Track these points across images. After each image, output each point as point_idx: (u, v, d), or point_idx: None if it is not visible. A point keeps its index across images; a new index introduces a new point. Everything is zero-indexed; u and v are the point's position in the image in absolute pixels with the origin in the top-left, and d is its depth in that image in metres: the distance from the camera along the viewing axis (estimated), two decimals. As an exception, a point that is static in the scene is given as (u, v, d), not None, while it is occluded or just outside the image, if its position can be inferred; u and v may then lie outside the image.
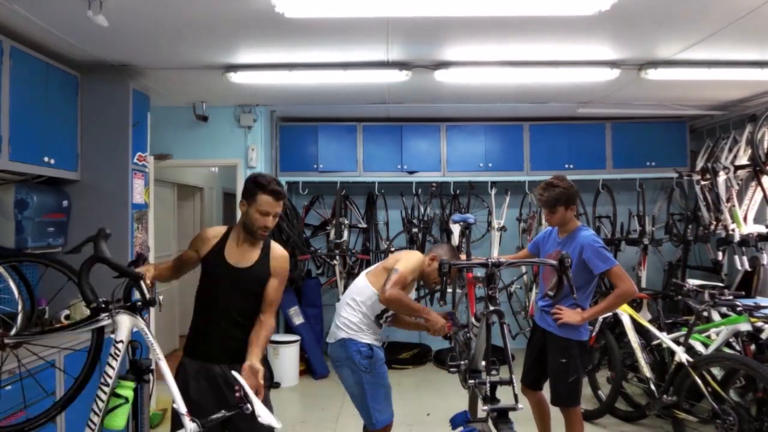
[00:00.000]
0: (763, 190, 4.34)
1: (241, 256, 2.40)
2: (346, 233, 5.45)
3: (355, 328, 2.78)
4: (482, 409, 2.16)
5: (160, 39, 3.32)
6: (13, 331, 2.86)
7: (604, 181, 5.57)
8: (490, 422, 2.11)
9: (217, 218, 7.64)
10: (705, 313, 3.67)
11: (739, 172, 4.58)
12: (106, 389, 1.90)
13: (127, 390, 1.90)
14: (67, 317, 3.23)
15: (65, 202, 3.52)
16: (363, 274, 2.91)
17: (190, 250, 2.44)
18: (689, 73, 3.92)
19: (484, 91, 4.58)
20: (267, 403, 2.18)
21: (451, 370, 2.76)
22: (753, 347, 3.37)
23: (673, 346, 3.55)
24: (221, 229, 2.47)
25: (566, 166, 5.60)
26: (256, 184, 2.35)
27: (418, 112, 5.44)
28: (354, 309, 2.80)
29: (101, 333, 2.12)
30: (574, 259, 2.66)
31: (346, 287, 5.44)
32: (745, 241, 4.37)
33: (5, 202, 3.12)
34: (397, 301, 2.62)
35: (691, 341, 3.50)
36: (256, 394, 2.02)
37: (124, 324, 2.02)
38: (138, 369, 1.97)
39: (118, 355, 1.95)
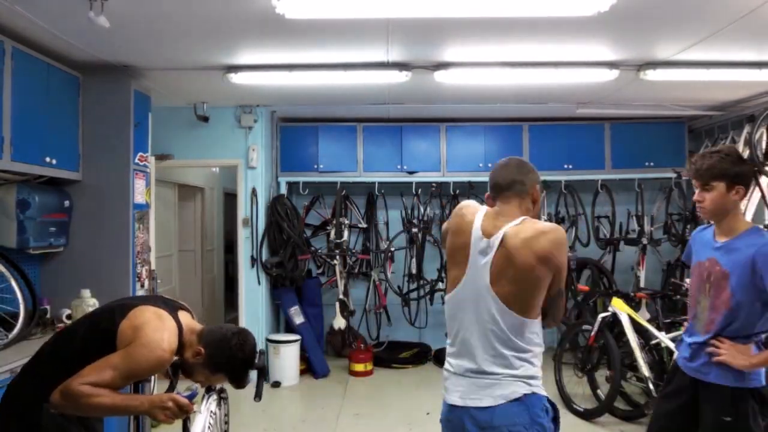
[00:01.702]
0: (761, 190, 4.36)
1: None
2: (346, 233, 5.46)
3: (534, 373, 1.68)
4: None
5: (161, 40, 3.33)
6: (14, 331, 2.88)
7: (603, 182, 5.58)
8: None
9: (217, 218, 7.66)
10: (703, 313, 3.67)
11: (738, 172, 4.59)
12: None
13: None
14: (69, 317, 3.24)
15: (67, 203, 3.54)
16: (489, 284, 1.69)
17: (128, 382, 1.84)
18: (688, 74, 3.93)
19: (483, 91, 4.60)
20: None
21: None
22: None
23: (672, 346, 3.56)
24: (169, 358, 1.83)
25: (565, 166, 5.62)
26: (233, 371, 1.92)
27: (418, 112, 5.45)
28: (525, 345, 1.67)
29: None
30: (740, 276, 1.97)
31: (346, 287, 5.48)
32: (743, 241, 4.37)
33: (7, 202, 3.13)
34: None
35: (690, 340, 3.51)
36: None
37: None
38: None
39: None
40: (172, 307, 1.94)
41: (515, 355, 1.64)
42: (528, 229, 1.65)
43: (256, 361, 1.99)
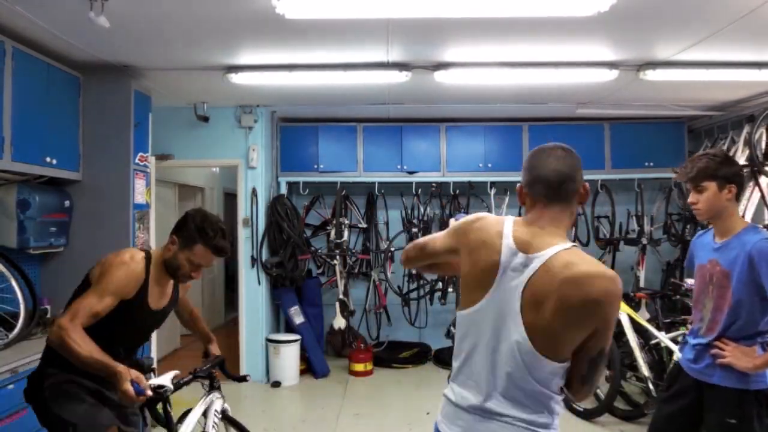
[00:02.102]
0: (761, 190, 4.36)
1: (160, 297, 2.15)
2: (346, 233, 5.47)
3: (550, 422, 1.40)
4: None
5: (161, 40, 3.34)
6: (15, 330, 2.88)
7: (603, 182, 5.58)
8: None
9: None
10: (703, 313, 3.67)
11: (738, 172, 4.60)
12: None
13: None
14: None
15: (67, 202, 3.54)
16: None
17: (110, 298, 1.94)
18: (687, 74, 3.94)
19: (483, 91, 4.60)
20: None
21: None
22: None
23: (672, 345, 3.57)
24: (138, 266, 2.04)
25: (565, 166, 5.61)
26: (199, 232, 2.04)
27: (418, 112, 5.45)
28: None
29: None
30: (739, 273, 1.99)
31: (346, 287, 5.48)
32: (743, 241, 4.38)
33: (7, 202, 3.14)
34: None
35: (690, 340, 3.52)
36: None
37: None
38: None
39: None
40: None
41: (532, 398, 1.35)
42: (583, 262, 1.29)
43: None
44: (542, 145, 1.45)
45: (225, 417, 2.41)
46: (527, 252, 1.33)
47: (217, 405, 2.34)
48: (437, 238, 1.61)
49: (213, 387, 2.36)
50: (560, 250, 1.31)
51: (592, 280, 1.27)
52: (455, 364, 1.49)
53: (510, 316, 1.33)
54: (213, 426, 2.26)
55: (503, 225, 1.42)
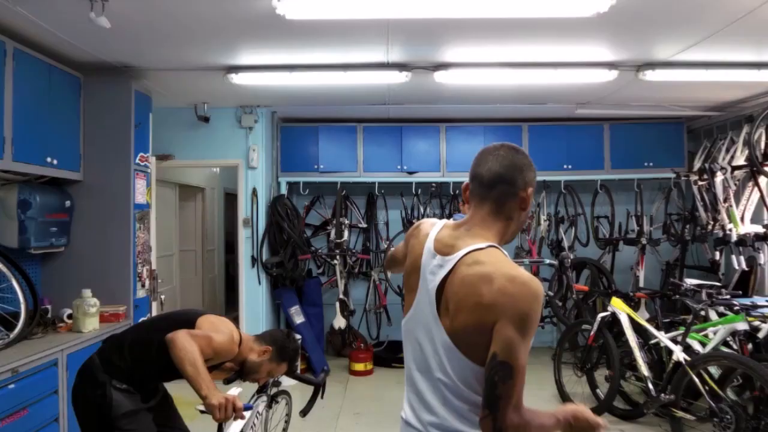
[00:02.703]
0: (760, 190, 4.37)
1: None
2: (346, 233, 5.47)
3: None
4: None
5: (162, 41, 3.35)
6: (16, 330, 2.89)
7: (603, 182, 5.60)
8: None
9: (218, 218, 7.67)
10: (702, 313, 3.69)
11: (736, 172, 4.61)
12: None
13: None
14: (70, 316, 3.25)
15: (68, 203, 3.55)
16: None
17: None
18: (687, 75, 3.95)
19: (483, 92, 4.61)
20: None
21: None
22: (750, 346, 3.40)
23: (671, 345, 3.57)
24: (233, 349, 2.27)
25: (564, 166, 5.63)
26: (293, 356, 2.44)
27: (417, 112, 5.46)
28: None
29: None
30: None
31: (346, 287, 5.49)
32: (742, 240, 4.39)
33: (8, 202, 3.15)
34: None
35: (689, 340, 3.53)
36: None
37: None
38: None
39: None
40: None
41: (472, 410, 1.21)
42: (489, 262, 1.20)
43: (318, 379, 2.64)
44: (491, 144, 1.34)
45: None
46: (443, 254, 1.26)
47: (260, 407, 2.59)
48: (399, 245, 1.59)
49: (263, 390, 2.63)
50: (473, 250, 1.22)
51: (489, 279, 1.16)
52: (406, 375, 1.40)
53: (431, 319, 1.26)
54: (252, 426, 2.47)
55: (432, 228, 1.36)
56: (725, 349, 3.44)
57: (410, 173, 5.69)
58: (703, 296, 3.73)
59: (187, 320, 2.22)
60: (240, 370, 2.34)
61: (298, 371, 2.63)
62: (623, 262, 5.60)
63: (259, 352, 2.32)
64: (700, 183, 4.95)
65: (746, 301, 3.58)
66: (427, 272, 1.29)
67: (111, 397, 2.10)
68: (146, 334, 2.23)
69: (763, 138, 4.41)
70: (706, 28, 3.19)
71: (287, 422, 3.01)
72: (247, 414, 2.18)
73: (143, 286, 3.86)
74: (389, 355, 5.57)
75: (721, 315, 3.67)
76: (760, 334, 3.37)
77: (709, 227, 4.80)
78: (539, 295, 1.17)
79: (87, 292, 3.27)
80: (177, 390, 2.48)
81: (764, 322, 3.37)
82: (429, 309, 1.27)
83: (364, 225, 5.88)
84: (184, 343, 2.00)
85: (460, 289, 1.20)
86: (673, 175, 5.39)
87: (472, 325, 1.18)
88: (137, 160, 3.81)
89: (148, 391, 2.27)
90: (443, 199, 5.78)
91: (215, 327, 2.20)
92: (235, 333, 2.26)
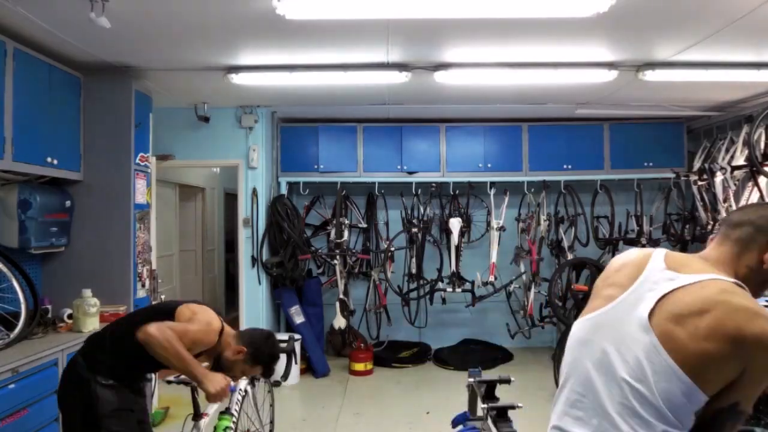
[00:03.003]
0: (760, 190, 4.37)
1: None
2: (346, 233, 5.48)
3: None
4: (481, 407, 2.18)
5: (162, 41, 3.35)
6: (16, 330, 2.89)
7: (602, 182, 5.60)
8: (489, 420, 2.13)
9: (218, 218, 7.68)
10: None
11: (736, 172, 4.61)
12: None
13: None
14: (70, 316, 3.25)
15: (68, 202, 3.55)
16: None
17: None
18: (687, 75, 3.95)
19: (483, 92, 4.61)
20: None
21: None
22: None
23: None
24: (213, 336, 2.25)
25: (564, 166, 5.64)
26: (270, 360, 2.34)
27: (417, 113, 5.47)
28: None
29: None
30: None
31: (346, 286, 5.50)
32: (741, 240, 4.39)
33: (9, 202, 3.15)
34: None
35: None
36: None
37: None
38: None
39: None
40: (217, 311, 2.33)
41: (667, 430, 1.08)
42: (743, 297, 1.10)
43: (286, 346, 2.56)
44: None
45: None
46: (676, 271, 1.17)
47: (241, 384, 2.67)
48: None
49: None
50: (717, 279, 1.13)
51: (751, 315, 1.06)
52: (562, 381, 1.28)
53: (636, 322, 1.14)
54: (236, 401, 2.53)
55: (651, 253, 1.26)
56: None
57: (410, 173, 5.69)
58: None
59: (166, 311, 2.20)
60: (215, 364, 2.28)
61: (295, 367, 2.73)
62: (623, 262, 5.60)
63: (234, 350, 2.25)
64: (699, 183, 4.96)
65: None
66: (650, 280, 1.19)
67: (96, 394, 2.07)
68: (125, 327, 2.19)
69: (763, 138, 4.41)
70: (705, 28, 3.19)
71: (272, 395, 3.30)
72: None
73: (143, 286, 3.87)
74: (389, 355, 5.58)
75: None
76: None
77: (709, 227, 4.80)
78: None
79: (87, 292, 3.27)
80: (176, 390, 2.49)
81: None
82: (637, 312, 1.15)
83: (364, 225, 5.88)
84: (159, 338, 1.98)
85: (715, 309, 1.08)
86: (672, 175, 5.39)
87: (710, 348, 1.06)
88: (137, 160, 3.81)
89: (134, 382, 2.24)
90: (443, 199, 5.78)
91: (193, 316, 2.17)
92: (215, 322, 2.22)
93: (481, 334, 6.05)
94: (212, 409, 2.39)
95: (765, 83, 4.24)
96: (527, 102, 5.04)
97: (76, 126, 3.61)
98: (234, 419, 2.39)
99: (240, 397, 2.58)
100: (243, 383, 2.66)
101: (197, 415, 2.34)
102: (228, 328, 2.29)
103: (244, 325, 5.12)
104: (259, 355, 2.27)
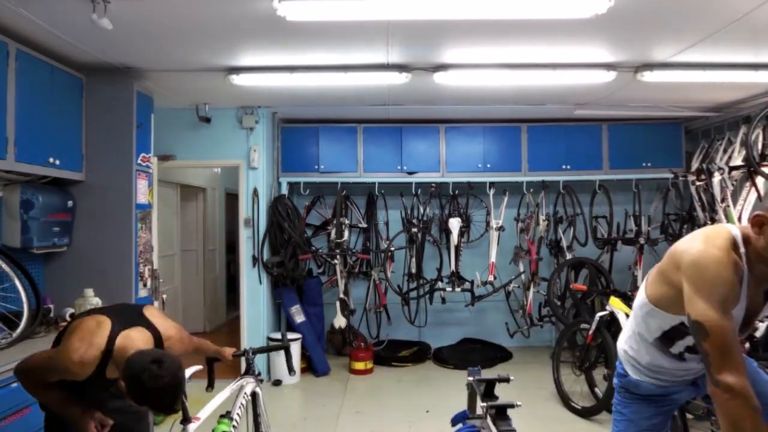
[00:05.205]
0: (758, 190, 4.39)
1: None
2: (346, 233, 5.50)
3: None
4: (480, 406, 2.20)
5: (163, 42, 3.37)
6: (18, 330, 2.91)
7: (601, 182, 5.62)
8: (488, 419, 2.15)
9: (219, 218, 7.70)
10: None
11: (734, 172, 4.64)
12: None
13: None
14: (72, 315, 3.27)
15: (70, 203, 3.57)
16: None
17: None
18: (685, 76, 3.97)
19: (482, 93, 4.63)
20: None
21: None
22: (747, 345, 3.42)
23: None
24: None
25: (563, 167, 5.66)
26: (165, 398, 1.67)
27: (417, 113, 5.49)
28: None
29: None
30: None
31: (346, 286, 5.52)
32: (739, 240, 4.41)
33: (11, 202, 3.17)
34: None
35: (686, 339, 3.55)
36: None
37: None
38: None
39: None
40: (132, 322, 1.92)
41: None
42: (698, 233, 1.61)
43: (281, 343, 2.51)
44: None
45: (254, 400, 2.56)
46: None
47: (248, 388, 2.47)
48: None
49: (248, 372, 2.54)
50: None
51: (692, 240, 1.58)
52: None
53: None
54: (240, 406, 2.34)
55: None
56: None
57: (410, 173, 5.71)
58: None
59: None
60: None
61: (295, 368, 2.58)
62: (621, 262, 5.63)
63: (119, 375, 1.74)
64: (697, 183, 4.98)
65: (743, 301, 3.59)
66: None
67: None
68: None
69: (760, 138, 4.43)
70: (703, 29, 3.21)
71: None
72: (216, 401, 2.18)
73: (145, 285, 3.89)
74: (389, 354, 5.60)
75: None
76: (758, 334, 3.39)
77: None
78: None
79: (89, 292, 3.29)
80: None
81: (761, 321, 3.39)
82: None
83: (364, 225, 5.90)
84: (26, 384, 1.88)
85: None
86: (671, 176, 5.42)
87: (664, 269, 1.69)
88: (139, 161, 3.83)
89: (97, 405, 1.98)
90: (443, 199, 5.80)
91: (68, 339, 1.85)
92: (89, 348, 1.78)
93: (480, 334, 6.07)
94: (205, 413, 2.18)
95: (762, 84, 4.26)
96: (526, 102, 5.06)
97: (78, 126, 3.63)
98: (234, 423, 2.18)
99: (244, 402, 2.40)
100: (250, 386, 2.48)
101: (186, 419, 2.04)
102: (127, 346, 1.80)
103: (245, 325, 5.15)
104: (140, 391, 1.64)
